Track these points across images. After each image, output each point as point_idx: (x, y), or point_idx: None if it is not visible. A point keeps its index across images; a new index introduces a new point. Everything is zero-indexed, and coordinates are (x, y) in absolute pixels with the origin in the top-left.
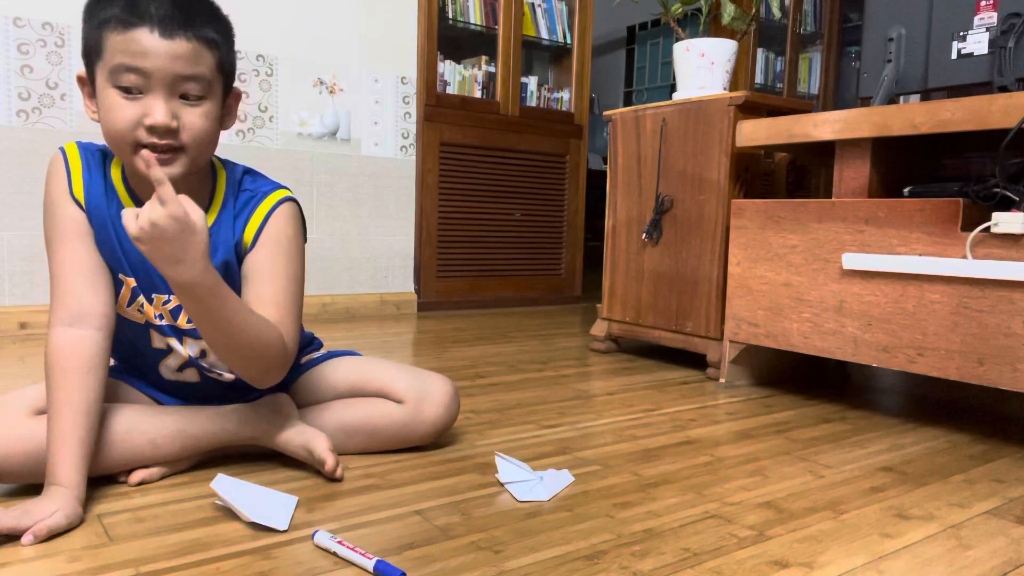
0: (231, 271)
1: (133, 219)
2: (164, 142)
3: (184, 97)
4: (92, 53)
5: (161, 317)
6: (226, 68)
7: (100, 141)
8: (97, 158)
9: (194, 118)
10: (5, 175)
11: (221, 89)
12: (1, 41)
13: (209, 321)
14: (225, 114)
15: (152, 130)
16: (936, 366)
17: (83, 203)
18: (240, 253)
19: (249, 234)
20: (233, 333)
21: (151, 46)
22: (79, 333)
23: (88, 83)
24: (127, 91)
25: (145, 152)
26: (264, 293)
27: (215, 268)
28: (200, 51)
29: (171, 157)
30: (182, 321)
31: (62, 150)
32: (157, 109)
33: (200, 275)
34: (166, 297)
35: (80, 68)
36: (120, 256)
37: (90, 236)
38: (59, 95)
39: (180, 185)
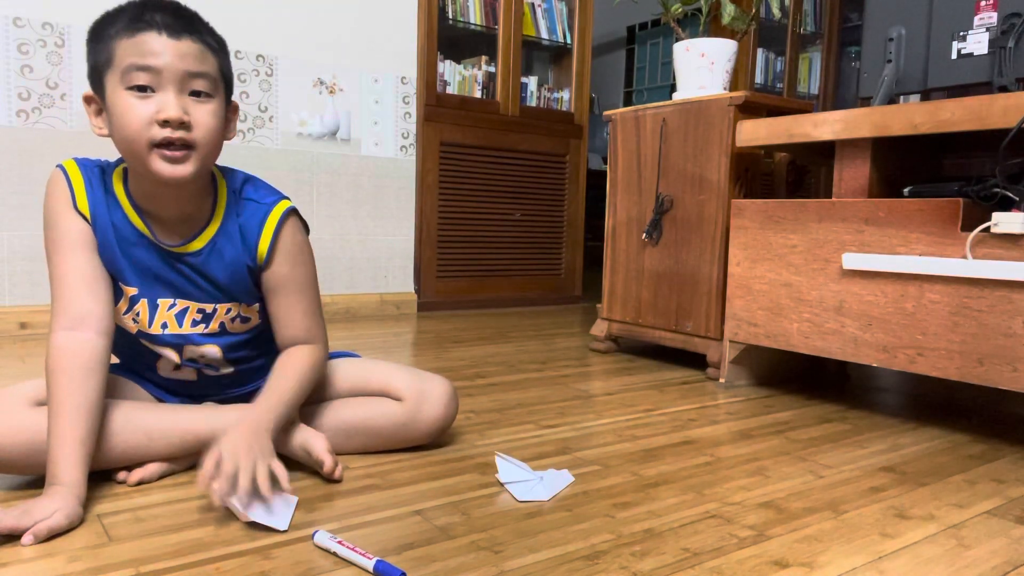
0: (239, 278)
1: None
2: (177, 135)
3: (194, 95)
4: (101, 66)
5: (165, 325)
6: (226, 75)
7: (95, 148)
8: (96, 173)
9: (204, 115)
10: (5, 175)
11: (224, 94)
12: (1, 41)
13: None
14: (226, 124)
15: (166, 124)
16: (936, 366)
17: (88, 216)
18: (255, 265)
19: (263, 247)
20: (302, 399)
21: (160, 46)
22: (79, 336)
23: (96, 100)
24: (140, 90)
25: None
26: (296, 306)
27: (223, 284)
28: (205, 52)
29: (184, 155)
30: (186, 326)
31: (61, 167)
32: (169, 103)
33: (279, 429)
34: (171, 301)
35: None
36: (122, 265)
37: (92, 246)
38: (59, 95)
39: (185, 193)
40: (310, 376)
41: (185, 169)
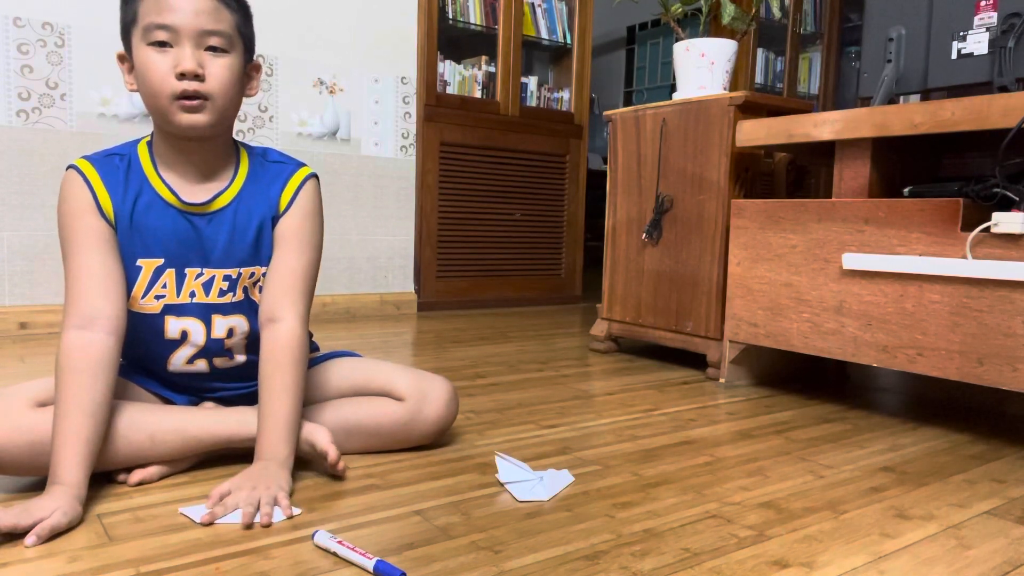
0: (263, 234)
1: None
2: (193, 87)
3: (210, 50)
4: (128, 24)
5: (193, 294)
6: (244, 34)
7: (94, 148)
8: (113, 161)
9: (218, 68)
10: (5, 175)
11: (242, 51)
12: (1, 41)
13: None
14: (247, 82)
15: (182, 76)
16: (936, 366)
17: (111, 214)
18: (275, 216)
19: (284, 199)
20: (301, 404)
21: (177, 3)
22: (90, 336)
23: (128, 59)
24: (160, 45)
25: None
26: (291, 260)
27: (249, 242)
28: (220, 9)
29: (199, 104)
30: (213, 295)
31: (77, 168)
32: (185, 57)
33: (292, 456)
34: (199, 271)
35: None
36: (147, 238)
37: (109, 246)
38: (59, 95)
39: (208, 148)
40: (300, 380)
41: (202, 118)
